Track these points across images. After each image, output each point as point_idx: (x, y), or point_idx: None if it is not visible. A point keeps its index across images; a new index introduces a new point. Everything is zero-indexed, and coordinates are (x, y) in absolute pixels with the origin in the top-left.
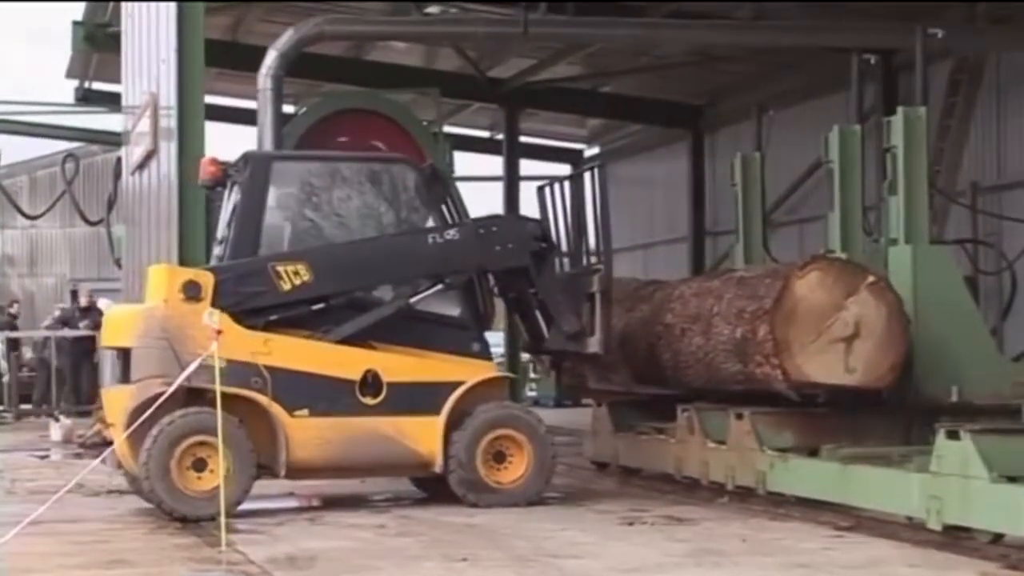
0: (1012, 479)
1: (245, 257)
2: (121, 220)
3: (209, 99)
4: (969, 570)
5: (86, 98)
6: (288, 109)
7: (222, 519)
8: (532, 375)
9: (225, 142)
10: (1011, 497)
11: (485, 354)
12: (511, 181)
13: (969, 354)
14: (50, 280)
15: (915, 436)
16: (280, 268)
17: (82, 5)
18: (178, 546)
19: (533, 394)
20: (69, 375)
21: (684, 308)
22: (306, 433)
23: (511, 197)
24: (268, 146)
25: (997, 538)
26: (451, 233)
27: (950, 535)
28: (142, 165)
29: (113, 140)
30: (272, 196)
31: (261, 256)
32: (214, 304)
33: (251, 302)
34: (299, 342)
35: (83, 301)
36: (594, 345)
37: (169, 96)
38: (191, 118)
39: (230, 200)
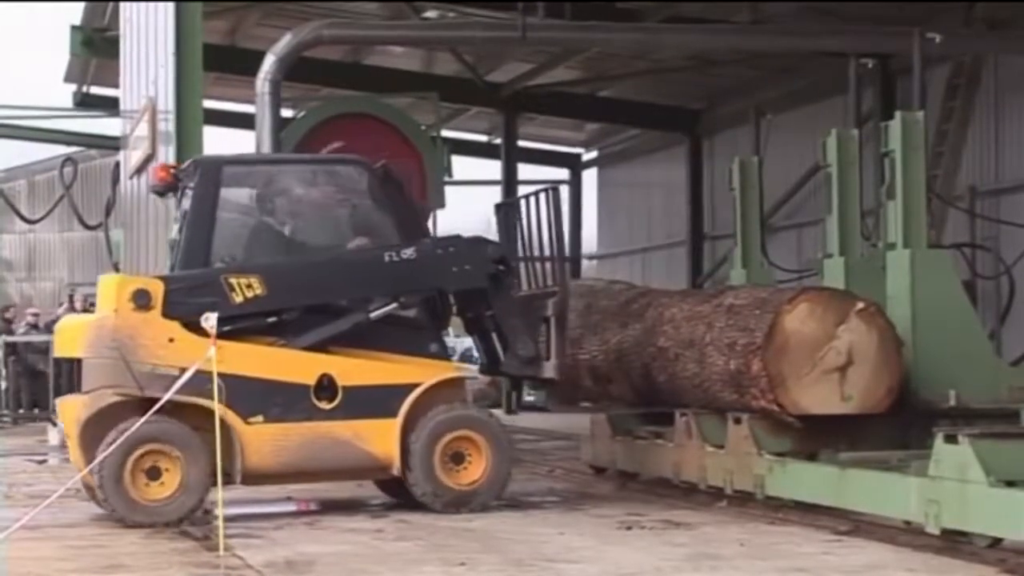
0: (1010, 483)
1: (197, 264)
2: (119, 224)
3: (207, 103)
4: (967, 574)
5: (84, 102)
6: (287, 113)
7: (220, 524)
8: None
9: (223, 146)
10: (1009, 501)
11: (443, 354)
12: (509, 185)
13: (967, 358)
14: (48, 284)
15: (913, 440)
16: (232, 280)
17: (80, 9)
18: (175, 550)
19: (531, 398)
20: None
21: (676, 332)
22: (261, 439)
23: None
24: (267, 150)
25: (995, 542)
26: (408, 252)
27: (948, 539)
28: (140, 169)
29: (111, 144)
30: (224, 200)
31: (214, 268)
32: (164, 314)
33: (202, 313)
34: (252, 348)
35: (78, 305)
36: (549, 370)
37: (167, 100)
38: (189, 122)
39: (181, 206)
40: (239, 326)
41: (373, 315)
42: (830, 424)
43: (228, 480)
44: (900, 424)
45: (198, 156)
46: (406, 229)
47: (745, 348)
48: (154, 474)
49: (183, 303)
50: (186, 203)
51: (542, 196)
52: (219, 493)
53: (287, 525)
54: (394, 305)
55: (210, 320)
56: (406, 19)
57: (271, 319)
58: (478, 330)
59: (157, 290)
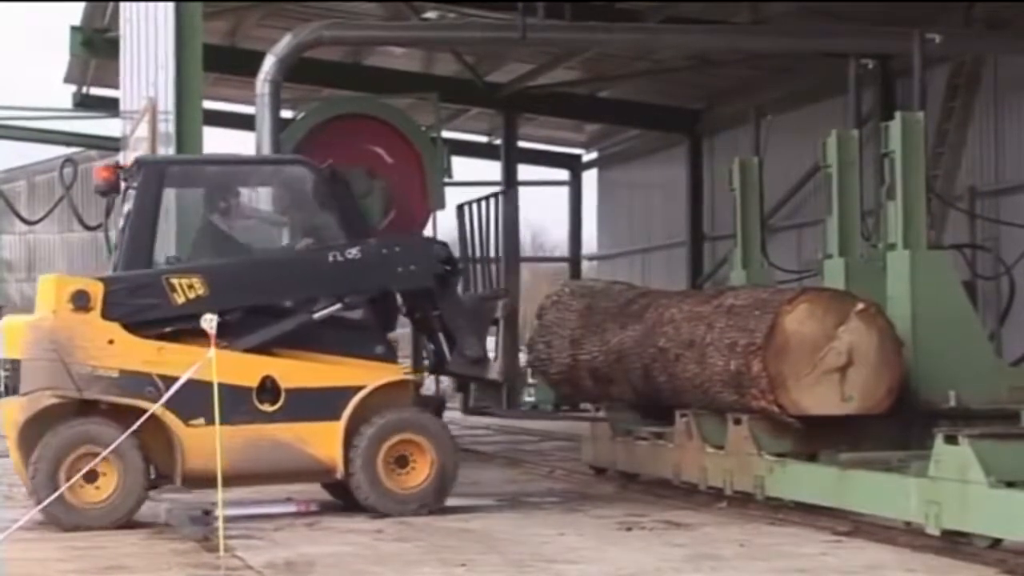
0: (1010, 484)
1: (139, 265)
2: (119, 225)
3: (207, 104)
4: (967, 575)
5: (84, 103)
6: (287, 114)
7: (220, 525)
8: (530, 380)
9: (224, 147)
10: (1009, 502)
11: (389, 357)
12: (509, 186)
13: (967, 359)
14: None
15: (913, 441)
16: (174, 281)
17: (80, 10)
18: (176, 551)
19: (531, 399)
20: None
21: (677, 333)
22: (203, 442)
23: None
24: (266, 151)
25: (995, 543)
26: (353, 252)
27: (948, 540)
28: None
29: (111, 145)
30: (167, 201)
31: (155, 269)
32: (104, 315)
33: (143, 314)
34: (193, 350)
35: None
36: (494, 371)
37: (167, 101)
38: (189, 123)
39: (124, 206)
40: (181, 327)
41: (317, 316)
42: (830, 425)
43: (167, 482)
44: (900, 425)
45: (141, 156)
46: (352, 229)
47: (745, 349)
48: (90, 477)
49: (123, 304)
50: (129, 203)
51: (492, 200)
52: (219, 494)
53: (287, 526)
54: (339, 305)
55: (211, 321)
56: (406, 20)
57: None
58: (426, 330)
59: (97, 291)
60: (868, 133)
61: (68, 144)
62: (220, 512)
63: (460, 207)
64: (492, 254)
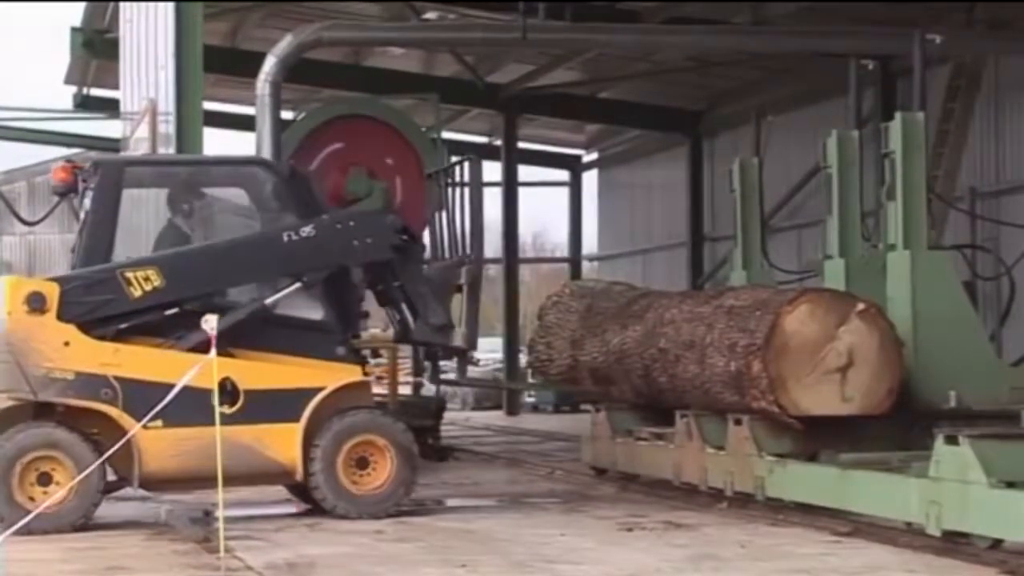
0: (1010, 484)
1: (97, 265)
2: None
3: (208, 105)
4: (967, 575)
5: (84, 104)
6: (287, 115)
7: (220, 526)
8: (531, 380)
9: (224, 148)
10: (1009, 502)
11: (351, 358)
12: (509, 187)
13: (967, 359)
14: None
15: (914, 441)
16: (129, 274)
17: (80, 11)
18: (176, 552)
19: (532, 399)
20: None
21: (677, 334)
22: (160, 444)
23: (509, 202)
24: (267, 152)
25: (996, 543)
26: (307, 230)
27: (949, 540)
28: None
29: (112, 146)
30: (127, 202)
31: (109, 264)
32: (60, 316)
33: (100, 311)
34: (150, 351)
35: None
36: (459, 338)
37: (168, 102)
38: (190, 124)
39: (83, 207)
40: (139, 322)
41: (268, 301)
42: (831, 425)
43: (125, 484)
44: (901, 425)
45: (99, 157)
46: None
47: (745, 349)
48: (44, 481)
49: (79, 303)
50: (87, 204)
51: (464, 166)
52: (219, 495)
53: (288, 527)
54: (298, 285)
55: (210, 322)
56: (406, 20)
57: (172, 311)
58: (389, 301)
59: (52, 292)
60: (868, 134)
61: (68, 145)
62: (220, 513)
63: (428, 175)
64: (458, 222)
